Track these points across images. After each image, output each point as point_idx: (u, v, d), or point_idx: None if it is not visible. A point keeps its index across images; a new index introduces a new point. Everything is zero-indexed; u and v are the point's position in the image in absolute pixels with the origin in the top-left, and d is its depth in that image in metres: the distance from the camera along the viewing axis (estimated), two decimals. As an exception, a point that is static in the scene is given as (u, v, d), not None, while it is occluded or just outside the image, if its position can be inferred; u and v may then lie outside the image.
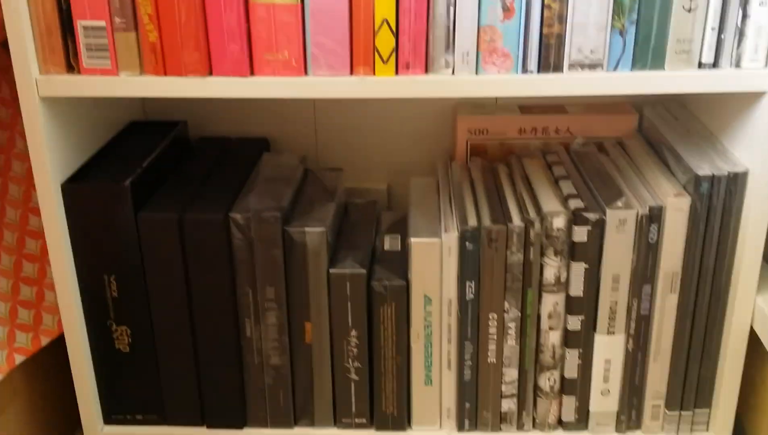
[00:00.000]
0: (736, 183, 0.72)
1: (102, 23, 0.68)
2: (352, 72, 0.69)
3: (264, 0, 0.67)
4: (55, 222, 0.74)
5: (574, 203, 0.75)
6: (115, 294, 0.78)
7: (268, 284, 0.77)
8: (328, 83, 0.69)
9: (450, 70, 0.69)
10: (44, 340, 0.84)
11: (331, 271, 0.77)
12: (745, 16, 0.66)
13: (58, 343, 0.86)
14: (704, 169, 0.72)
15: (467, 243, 0.75)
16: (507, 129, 0.90)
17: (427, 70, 0.69)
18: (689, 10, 0.66)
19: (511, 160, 0.88)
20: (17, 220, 0.84)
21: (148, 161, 0.80)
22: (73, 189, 0.75)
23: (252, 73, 0.70)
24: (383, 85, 0.69)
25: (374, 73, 0.69)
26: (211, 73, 0.70)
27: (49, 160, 0.72)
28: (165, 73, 0.70)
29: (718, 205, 0.73)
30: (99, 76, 0.70)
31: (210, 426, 0.83)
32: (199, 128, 0.97)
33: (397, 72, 0.69)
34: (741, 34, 0.66)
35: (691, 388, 0.79)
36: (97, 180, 0.76)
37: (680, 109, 0.88)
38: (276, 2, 0.67)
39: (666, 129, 0.83)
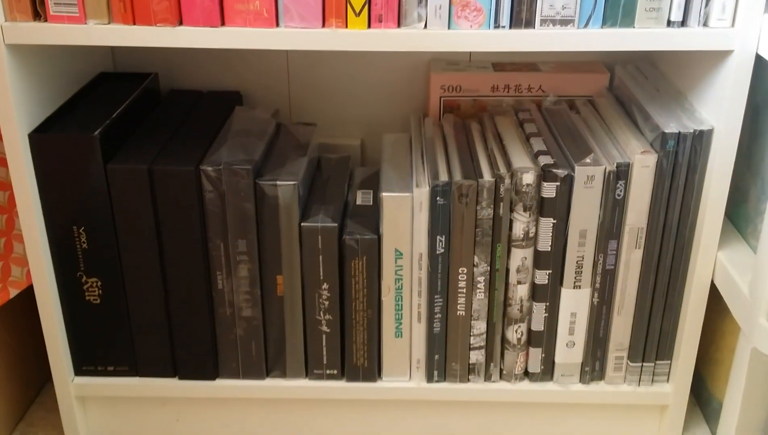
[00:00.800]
0: (701, 140, 0.73)
1: None
2: (324, 24, 0.69)
3: (235, -51, 0.66)
4: (23, 173, 0.74)
5: (544, 160, 0.76)
6: (85, 246, 0.78)
7: (239, 237, 0.77)
8: (299, 35, 0.69)
9: (422, 24, 0.69)
10: (13, 292, 0.84)
11: (303, 224, 0.77)
12: (714, -25, 0.66)
13: (28, 295, 0.86)
14: (671, 127, 0.73)
15: (438, 198, 0.75)
16: (480, 86, 0.91)
17: (399, 24, 0.69)
18: (660, -32, 0.66)
19: (483, 117, 0.89)
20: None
21: (117, 112, 0.79)
22: (40, 139, 0.74)
23: (223, 23, 0.69)
24: (355, 37, 0.69)
25: (346, 26, 0.69)
26: (181, 23, 0.69)
27: (16, 109, 0.71)
28: (134, 22, 0.69)
29: (683, 162, 0.74)
30: (66, 24, 0.69)
31: (182, 377, 0.84)
32: (170, 81, 0.96)
33: (369, 25, 0.69)
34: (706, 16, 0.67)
35: (653, 340, 0.82)
36: (66, 130, 0.75)
37: (650, 69, 0.89)
38: (247, -48, 0.66)
39: (636, 88, 0.84)
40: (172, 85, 0.96)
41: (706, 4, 0.67)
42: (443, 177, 0.76)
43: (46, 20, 0.69)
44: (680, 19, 0.68)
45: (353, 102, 0.97)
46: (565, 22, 0.68)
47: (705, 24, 0.68)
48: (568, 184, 0.75)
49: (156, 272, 0.79)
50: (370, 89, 0.96)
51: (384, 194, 0.76)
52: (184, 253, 0.78)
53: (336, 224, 0.77)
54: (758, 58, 0.69)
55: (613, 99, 0.87)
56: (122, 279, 0.80)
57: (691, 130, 0.73)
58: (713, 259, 0.77)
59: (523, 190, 0.75)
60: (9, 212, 0.84)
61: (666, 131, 0.73)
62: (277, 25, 0.69)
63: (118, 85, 0.87)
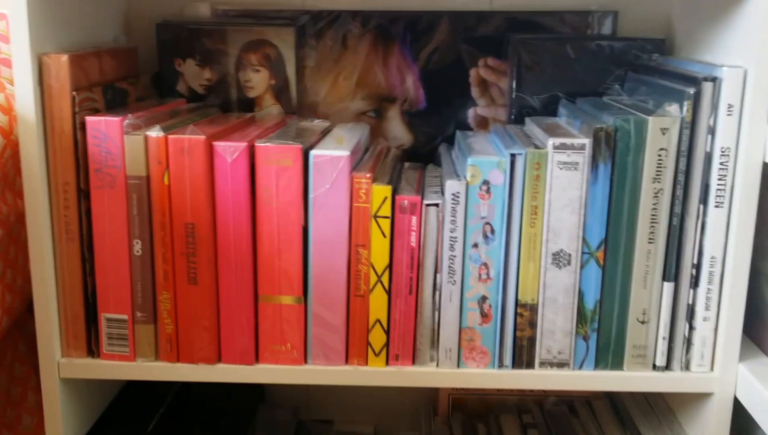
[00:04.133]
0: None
1: (124, 317, 0.76)
2: (347, 362, 0.77)
3: (271, 300, 0.76)
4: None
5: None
6: None
7: None
8: (325, 372, 0.77)
9: (435, 363, 0.77)
10: None
11: None
12: (691, 328, 0.75)
13: None
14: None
15: None
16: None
17: (414, 362, 0.77)
18: (643, 322, 0.75)
19: (489, 418, 0.95)
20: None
21: (152, 424, 0.86)
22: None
23: (257, 360, 0.77)
24: (374, 374, 0.77)
25: (366, 364, 0.77)
26: (219, 361, 0.77)
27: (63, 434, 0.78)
28: (178, 360, 0.77)
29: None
30: (117, 362, 0.77)
31: None
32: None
33: (387, 363, 0.77)
34: (689, 343, 0.76)
35: None
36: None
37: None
38: (282, 302, 0.76)
39: (632, 404, 0.91)
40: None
41: (687, 352, 0.76)
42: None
43: (98, 357, 0.78)
44: (664, 364, 0.76)
45: (367, 395, 1.04)
46: (561, 364, 0.77)
47: (687, 368, 0.77)
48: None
49: None
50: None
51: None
52: None
53: None
54: (736, 401, 0.76)
55: (608, 403, 0.94)
56: None
57: (682, 458, 0.79)
58: None
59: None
60: None
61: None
62: (305, 362, 0.77)
63: (149, 394, 0.94)
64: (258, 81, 0.91)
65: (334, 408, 1.04)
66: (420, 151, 0.95)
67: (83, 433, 0.83)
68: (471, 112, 0.93)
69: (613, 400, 0.95)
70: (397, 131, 0.95)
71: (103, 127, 0.72)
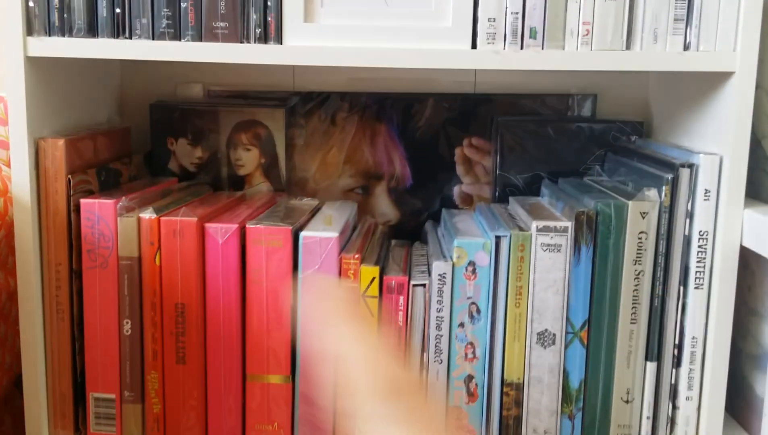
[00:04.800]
0: None
1: (112, 396, 0.76)
2: (334, 440, 0.78)
3: (260, 380, 0.76)
4: None
5: None
6: None
7: None
8: (312, 452, 0.77)
9: None
10: None
11: None
12: (674, 407, 0.77)
13: None
14: None
15: None
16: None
17: (401, 441, 0.78)
18: (627, 402, 0.76)
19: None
20: None
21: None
22: None
23: (243, 441, 0.78)
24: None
25: (354, 443, 0.77)
26: (206, 441, 0.78)
27: None
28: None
29: None
30: (103, 442, 0.77)
31: None
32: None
33: None
34: (672, 422, 0.77)
35: None
36: None
37: None
38: (270, 381, 0.76)
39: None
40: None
41: (671, 431, 0.77)
42: None
43: (85, 436, 0.77)
44: None
45: None
46: None
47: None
48: None
49: None
50: None
51: None
52: None
53: None
54: None
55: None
56: None
57: None
58: None
59: None
60: None
61: None
62: (292, 442, 0.78)
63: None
64: (248, 159, 0.93)
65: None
66: (406, 227, 0.96)
67: None
68: (456, 190, 0.96)
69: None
70: (384, 207, 0.97)
71: (97, 210, 0.74)
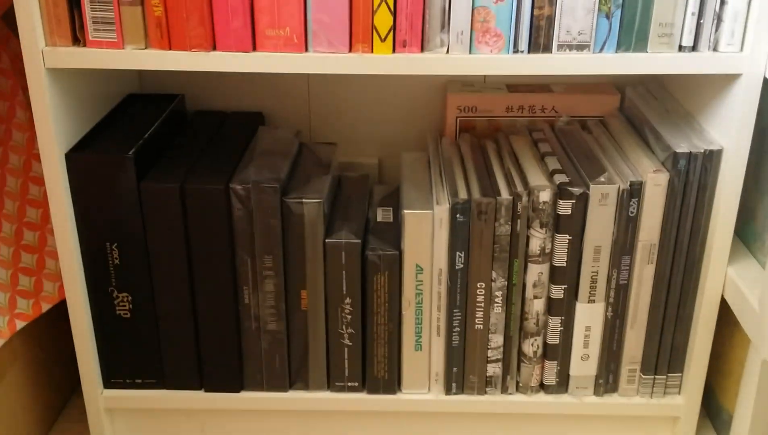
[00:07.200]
0: (711, 160, 0.76)
1: (108, -4, 0.70)
2: (351, 49, 0.72)
3: (267, -20, 0.70)
4: (59, 190, 0.77)
5: (559, 178, 0.79)
6: (117, 261, 0.81)
7: (266, 253, 0.80)
8: (327, 59, 0.72)
9: (445, 49, 0.72)
10: (45, 306, 0.86)
11: (327, 240, 0.80)
12: (723, 2, 0.70)
13: (59, 310, 0.89)
14: (682, 147, 0.76)
15: (458, 215, 0.78)
16: (495, 107, 0.94)
17: (422, 49, 0.72)
18: (672, -5, 0.70)
19: (498, 136, 0.92)
20: (18, 189, 0.86)
21: (148, 133, 0.82)
22: (77, 158, 0.77)
23: (254, 48, 0.72)
24: (381, 62, 0.72)
25: (372, 51, 0.72)
26: (214, 48, 0.72)
27: (54, 129, 0.74)
28: (170, 47, 0.72)
29: (694, 180, 0.77)
30: (105, 49, 0.72)
31: (208, 389, 0.87)
32: (194, 101, 0.99)
33: (394, 50, 0.72)
34: (719, 19, 0.70)
35: (665, 353, 0.84)
36: (101, 150, 0.78)
37: (660, 89, 0.93)
38: (279, -17, 0.70)
39: (646, 108, 0.87)
40: (196, 106, 0.99)
41: (716, 30, 0.71)
42: (462, 195, 0.79)
43: (85, 45, 0.72)
44: (691, 44, 0.71)
45: (371, 121, 1.00)
46: (581, 47, 0.71)
47: (715, 49, 0.72)
48: (583, 201, 0.78)
49: (185, 287, 0.82)
50: (388, 109, 0.99)
51: (406, 211, 0.79)
52: (212, 269, 0.81)
53: (359, 240, 0.80)
54: (766, 82, 0.72)
55: (624, 119, 0.91)
56: (152, 294, 0.82)
57: (702, 151, 0.76)
58: (723, 274, 0.80)
59: (540, 207, 0.78)
60: (42, 229, 0.87)
61: (677, 151, 0.76)
62: (306, 49, 0.72)
63: (147, 107, 0.90)
64: None
65: (337, 132, 1.00)
66: None
67: (76, 136, 0.80)
68: None
69: (629, 117, 0.91)
70: None
71: None
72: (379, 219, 0.86)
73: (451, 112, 0.94)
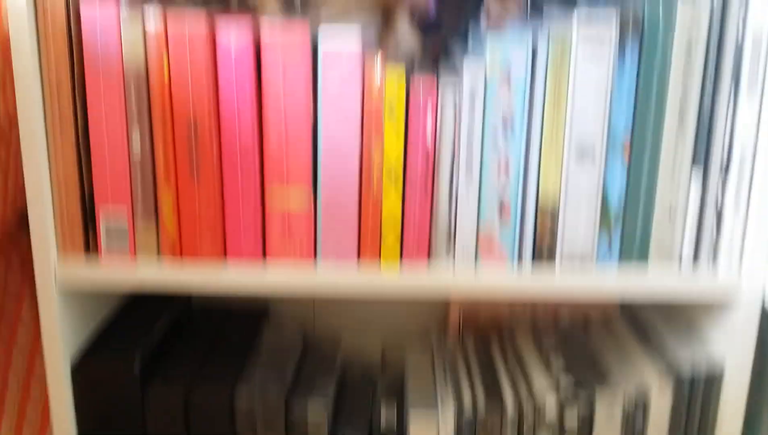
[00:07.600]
0: (713, 384, 0.77)
1: (123, 208, 0.72)
2: (358, 259, 0.74)
3: (280, 209, 0.72)
4: (64, 404, 0.76)
5: (565, 385, 0.79)
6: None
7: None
8: (336, 274, 0.74)
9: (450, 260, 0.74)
10: None
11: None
12: (719, 222, 0.72)
13: None
14: (684, 371, 0.77)
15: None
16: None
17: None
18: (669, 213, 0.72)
19: (503, 334, 0.92)
20: (19, 390, 0.85)
21: (154, 338, 0.83)
22: (83, 371, 0.77)
23: (264, 255, 0.74)
24: (388, 281, 0.74)
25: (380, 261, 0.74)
26: (225, 255, 0.74)
27: (62, 347, 0.75)
28: (181, 255, 0.73)
29: (696, 401, 0.77)
30: (117, 267, 0.73)
31: None
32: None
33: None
34: (718, 232, 0.73)
35: None
36: (106, 362, 0.78)
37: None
38: (291, 211, 0.72)
39: (648, 311, 0.89)
40: (202, 298, 1.00)
41: (715, 244, 0.73)
42: (468, 410, 0.78)
43: (98, 254, 0.74)
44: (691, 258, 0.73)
45: (374, 311, 1.01)
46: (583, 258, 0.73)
47: (714, 261, 0.73)
48: (589, 410, 0.77)
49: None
50: (391, 299, 1.00)
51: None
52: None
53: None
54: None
55: (625, 322, 0.91)
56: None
57: (703, 375, 0.76)
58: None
59: (545, 417, 0.77)
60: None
61: (680, 374, 0.76)
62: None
63: (151, 309, 0.91)
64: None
65: (341, 326, 1.01)
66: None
67: (82, 344, 0.80)
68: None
69: (630, 316, 0.92)
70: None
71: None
72: (384, 424, 0.85)
73: (454, 305, 0.95)
